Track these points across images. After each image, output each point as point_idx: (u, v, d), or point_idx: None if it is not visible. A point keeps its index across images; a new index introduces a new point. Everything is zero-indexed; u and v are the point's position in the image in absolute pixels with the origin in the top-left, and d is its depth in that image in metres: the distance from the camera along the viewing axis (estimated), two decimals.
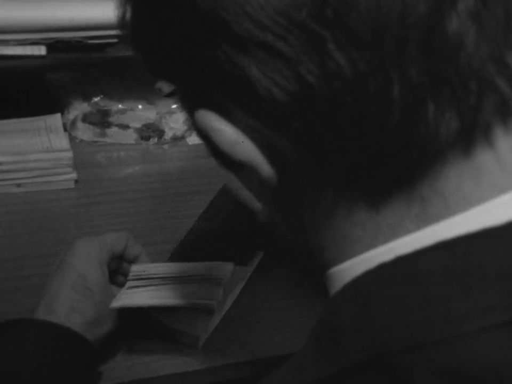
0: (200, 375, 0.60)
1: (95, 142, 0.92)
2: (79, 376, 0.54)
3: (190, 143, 0.94)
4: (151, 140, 0.92)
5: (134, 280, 0.61)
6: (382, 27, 0.27)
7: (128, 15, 0.33)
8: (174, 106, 0.93)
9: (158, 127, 0.92)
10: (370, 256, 0.32)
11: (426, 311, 0.28)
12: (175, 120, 0.93)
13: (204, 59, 0.30)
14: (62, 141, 0.86)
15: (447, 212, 0.30)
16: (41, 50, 0.75)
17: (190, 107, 0.33)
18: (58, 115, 0.90)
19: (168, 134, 0.93)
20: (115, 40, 0.78)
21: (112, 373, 0.59)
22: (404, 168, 0.30)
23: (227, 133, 0.31)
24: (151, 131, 0.92)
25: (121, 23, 0.34)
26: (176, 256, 0.70)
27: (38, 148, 0.84)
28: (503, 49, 0.28)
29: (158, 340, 0.61)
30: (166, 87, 0.36)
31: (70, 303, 0.56)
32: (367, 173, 0.31)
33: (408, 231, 0.31)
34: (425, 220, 0.30)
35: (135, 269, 0.62)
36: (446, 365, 0.27)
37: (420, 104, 0.28)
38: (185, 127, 0.94)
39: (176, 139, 0.94)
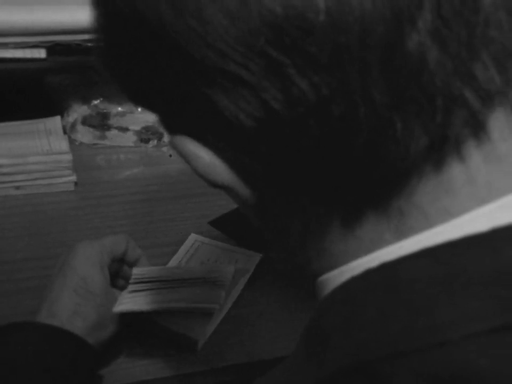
0: (199, 377, 0.61)
1: (94, 144, 0.92)
2: (81, 380, 0.54)
3: None
4: (150, 142, 0.93)
5: (135, 283, 0.61)
6: (340, 50, 0.27)
7: (100, 42, 0.33)
8: None
9: (157, 129, 0.92)
10: (356, 265, 0.32)
11: (409, 319, 0.28)
12: None
13: (174, 89, 0.31)
14: (61, 144, 0.86)
15: (427, 222, 0.30)
16: (41, 53, 0.75)
17: (168, 131, 0.34)
18: (58, 118, 0.91)
19: (167, 137, 0.93)
20: None
21: (111, 376, 0.59)
22: (375, 186, 0.30)
23: (202, 157, 0.32)
24: (150, 134, 0.93)
25: (96, 52, 0.34)
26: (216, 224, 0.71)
27: (38, 150, 0.84)
28: (468, 62, 0.28)
29: (157, 343, 0.62)
30: None
31: (72, 307, 0.56)
32: (337, 192, 0.31)
33: (390, 243, 0.31)
34: (405, 232, 0.31)
35: (137, 272, 0.62)
36: (429, 371, 0.27)
37: (387, 123, 0.28)
38: None
39: None
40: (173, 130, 0.33)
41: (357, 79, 0.27)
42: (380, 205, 0.31)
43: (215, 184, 0.33)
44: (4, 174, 0.80)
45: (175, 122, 0.33)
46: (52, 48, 0.76)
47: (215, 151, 0.32)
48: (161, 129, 0.93)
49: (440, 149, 0.29)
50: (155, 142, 0.93)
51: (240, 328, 0.65)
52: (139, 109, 0.92)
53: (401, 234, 0.31)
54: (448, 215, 0.30)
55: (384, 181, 0.30)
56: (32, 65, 0.87)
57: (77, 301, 0.57)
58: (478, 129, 0.29)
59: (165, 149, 0.93)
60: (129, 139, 0.92)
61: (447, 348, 0.27)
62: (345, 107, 0.28)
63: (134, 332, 0.62)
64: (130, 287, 0.61)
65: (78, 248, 0.61)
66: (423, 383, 0.27)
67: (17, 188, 0.81)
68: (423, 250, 0.30)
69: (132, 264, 0.64)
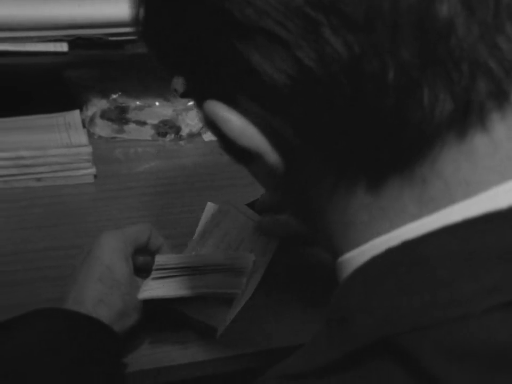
0: (220, 363, 0.61)
1: (112, 138, 0.93)
2: (108, 367, 0.55)
3: (206, 139, 0.96)
4: (167, 136, 0.94)
5: (158, 270, 0.62)
6: (374, 12, 0.28)
7: (141, 13, 0.35)
8: (190, 103, 0.95)
9: (174, 123, 0.93)
10: (377, 243, 0.33)
11: (432, 293, 0.29)
12: (191, 117, 0.94)
13: (210, 49, 0.32)
14: (81, 137, 0.88)
15: (448, 193, 0.31)
16: (63, 47, 0.76)
17: (199, 99, 0.35)
18: (77, 111, 0.92)
19: (185, 131, 0.94)
20: (135, 37, 0.78)
21: (133, 362, 0.60)
22: (401, 149, 0.31)
23: (234, 121, 0.33)
24: (167, 127, 0.94)
25: (135, 21, 0.36)
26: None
27: (58, 143, 0.86)
28: (494, 32, 0.29)
29: (178, 330, 0.63)
30: (181, 87, 0.38)
31: (98, 295, 0.57)
32: (365, 154, 0.32)
33: (412, 215, 0.32)
34: (427, 203, 0.32)
35: (159, 259, 0.63)
36: (451, 344, 0.28)
37: (414, 86, 0.29)
38: (201, 124, 0.95)
39: (192, 135, 0.95)
40: (205, 97, 0.34)
41: (388, 40, 0.28)
42: (404, 170, 0.32)
43: (242, 152, 0.34)
44: (25, 166, 0.81)
45: (209, 86, 0.34)
46: (73, 42, 0.77)
47: (246, 114, 0.33)
48: (178, 123, 0.94)
49: (464, 115, 0.30)
50: (172, 135, 0.94)
51: (260, 315, 0.65)
52: (157, 103, 0.93)
53: (423, 205, 0.32)
54: (467, 187, 0.31)
55: (409, 144, 0.31)
56: (53, 59, 0.88)
57: (102, 290, 0.58)
58: (502, 99, 0.30)
59: (182, 142, 0.94)
60: (147, 133, 0.93)
61: (468, 321, 0.28)
62: (375, 66, 0.29)
63: (155, 319, 0.63)
64: (153, 274, 0.62)
65: (101, 238, 0.62)
66: (445, 356, 0.28)
67: (38, 179, 0.82)
68: (444, 227, 0.30)
69: (154, 253, 0.65)
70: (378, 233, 0.33)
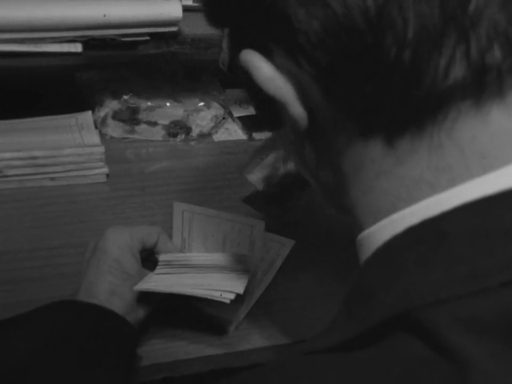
0: (232, 358, 0.62)
1: (124, 138, 0.94)
2: (122, 357, 0.56)
3: (216, 140, 0.97)
4: (178, 136, 0.95)
5: (162, 267, 0.63)
6: None
7: None
8: (201, 104, 0.96)
9: (185, 124, 0.95)
10: (396, 219, 0.34)
11: (451, 268, 0.30)
12: (201, 117, 0.95)
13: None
14: (93, 137, 0.89)
15: (464, 163, 0.32)
16: (77, 48, 0.77)
17: (237, 48, 0.37)
18: (89, 112, 0.93)
19: (195, 131, 0.95)
20: (147, 38, 0.80)
21: (148, 355, 0.61)
22: (416, 108, 0.32)
23: (265, 69, 0.35)
24: (178, 128, 0.95)
25: None
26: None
27: (71, 143, 0.87)
28: None
29: (191, 324, 0.64)
30: (227, 62, 0.41)
31: (109, 287, 0.58)
32: (382, 111, 0.33)
33: (428, 184, 0.33)
34: (443, 170, 0.32)
35: (163, 257, 0.64)
36: (470, 317, 0.29)
37: (431, 43, 0.30)
38: (212, 124, 0.96)
39: (203, 136, 0.96)
40: (240, 45, 0.36)
41: None
42: (421, 132, 0.33)
43: (270, 101, 0.36)
44: (39, 165, 0.82)
45: (245, 34, 0.36)
46: (87, 43, 0.78)
47: (279, 66, 0.35)
48: (189, 124, 0.95)
49: (480, 83, 0.31)
50: (183, 136, 0.95)
51: (272, 312, 0.66)
52: (168, 104, 0.94)
53: (439, 173, 0.33)
54: (483, 159, 0.32)
55: (424, 103, 0.32)
56: (64, 61, 0.89)
57: (113, 281, 0.58)
58: None
59: (193, 143, 0.95)
60: (158, 133, 0.95)
61: (486, 295, 0.29)
62: (397, 18, 0.30)
63: (170, 313, 0.64)
64: (157, 270, 0.62)
65: (107, 232, 0.62)
66: (463, 328, 0.28)
67: (52, 179, 0.83)
68: (463, 205, 0.31)
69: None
70: (396, 207, 0.34)
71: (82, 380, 0.52)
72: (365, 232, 0.37)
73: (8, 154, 0.81)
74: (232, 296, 0.58)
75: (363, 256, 0.36)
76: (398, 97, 0.32)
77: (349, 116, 0.35)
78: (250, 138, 0.97)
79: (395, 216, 0.34)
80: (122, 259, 0.60)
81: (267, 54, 0.35)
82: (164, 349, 0.62)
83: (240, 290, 0.59)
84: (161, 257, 0.64)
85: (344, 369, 0.30)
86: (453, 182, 0.32)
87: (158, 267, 0.63)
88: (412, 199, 0.34)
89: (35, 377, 0.50)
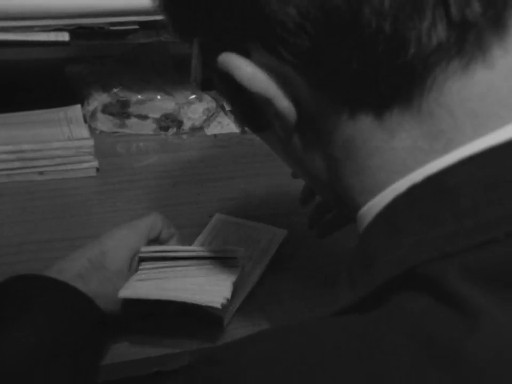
0: None
1: (114, 132, 0.93)
2: (87, 336, 0.54)
3: (208, 133, 0.96)
4: (169, 130, 0.94)
5: (144, 268, 0.60)
6: None
7: None
8: (193, 97, 0.95)
9: (176, 117, 0.93)
10: (397, 187, 0.34)
11: (456, 221, 0.30)
12: (193, 110, 0.94)
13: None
14: (82, 132, 0.87)
15: (456, 126, 0.32)
16: (64, 37, 0.76)
17: (211, 56, 0.36)
18: (79, 106, 0.92)
19: (187, 125, 0.94)
20: (136, 27, 0.79)
21: (141, 350, 0.59)
22: (403, 78, 0.32)
23: (245, 67, 0.35)
24: (169, 121, 0.93)
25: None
26: None
27: (59, 137, 0.85)
28: None
29: (185, 320, 0.62)
30: (199, 79, 0.41)
31: (79, 270, 0.57)
32: (369, 88, 0.33)
33: (423, 151, 0.33)
34: (436, 136, 0.32)
35: (145, 252, 0.61)
36: (477, 268, 0.29)
37: (410, 7, 0.30)
38: (204, 118, 0.95)
39: (195, 129, 0.95)
40: (218, 51, 0.36)
41: None
42: (409, 103, 0.32)
43: (255, 99, 0.35)
44: (28, 159, 0.81)
45: (222, 39, 0.35)
46: (75, 32, 0.77)
47: (257, 62, 0.35)
48: (180, 117, 0.93)
49: (463, 38, 0.31)
50: (174, 129, 0.94)
51: (265, 305, 0.65)
52: (158, 97, 0.93)
53: (432, 139, 0.32)
54: (476, 119, 0.32)
55: (410, 72, 0.32)
56: (53, 54, 0.88)
57: (86, 266, 0.57)
58: (501, 31, 0.31)
59: (184, 136, 0.94)
60: (148, 127, 0.93)
61: (493, 246, 0.29)
62: None
63: (164, 309, 0.62)
64: (139, 273, 0.60)
65: (114, 230, 0.61)
66: (471, 279, 0.28)
67: (41, 173, 0.82)
68: (466, 158, 0.31)
69: (165, 243, 0.65)
70: (393, 179, 0.34)
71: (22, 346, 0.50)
72: (365, 207, 0.36)
73: None
74: (221, 301, 0.56)
75: (362, 227, 0.36)
76: (384, 69, 0.32)
77: (335, 99, 0.34)
78: (243, 131, 0.96)
79: (396, 185, 0.34)
80: (109, 255, 0.59)
81: (245, 53, 0.35)
82: (155, 343, 0.60)
83: (227, 294, 0.57)
84: (142, 252, 0.61)
85: (350, 329, 0.29)
86: (449, 145, 0.32)
87: (140, 265, 0.61)
88: (408, 169, 0.33)
89: None
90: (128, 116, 0.92)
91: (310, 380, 0.28)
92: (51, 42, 0.75)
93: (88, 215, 0.76)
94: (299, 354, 0.29)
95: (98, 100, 0.91)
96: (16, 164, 0.81)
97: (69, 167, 0.83)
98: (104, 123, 0.92)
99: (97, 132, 0.92)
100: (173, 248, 0.63)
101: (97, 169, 0.84)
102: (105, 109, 0.92)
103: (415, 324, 0.28)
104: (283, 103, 0.35)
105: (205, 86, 0.40)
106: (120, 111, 0.92)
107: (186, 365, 0.32)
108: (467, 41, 0.31)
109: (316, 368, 0.28)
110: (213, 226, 0.74)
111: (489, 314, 0.27)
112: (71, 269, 0.57)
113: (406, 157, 0.33)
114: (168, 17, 0.39)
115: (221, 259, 0.61)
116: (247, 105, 0.37)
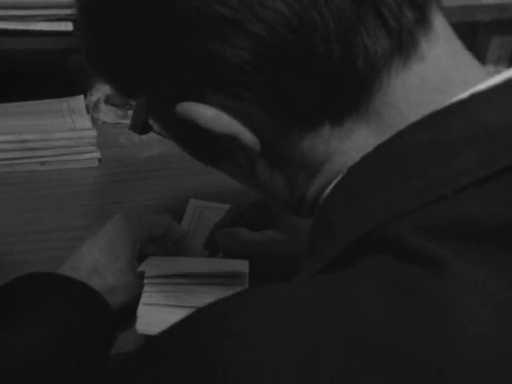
0: None
1: (117, 123, 0.93)
2: (97, 334, 0.54)
3: None
4: None
5: (148, 291, 0.59)
6: None
7: (90, 40, 0.39)
8: None
9: None
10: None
11: (407, 183, 0.32)
12: None
13: (173, 51, 0.35)
14: (85, 122, 0.88)
15: (402, 118, 0.34)
16: (68, 26, 0.76)
17: (169, 107, 0.37)
18: (81, 97, 0.92)
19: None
20: None
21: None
22: (354, 91, 0.34)
23: (207, 112, 0.36)
24: None
25: (84, 52, 0.40)
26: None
27: (62, 127, 0.85)
28: None
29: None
30: (139, 126, 0.45)
31: (93, 264, 0.57)
32: (325, 103, 0.35)
33: (372, 146, 0.35)
34: (384, 131, 0.34)
35: (148, 263, 0.59)
36: (430, 224, 0.30)
37: (353, 29, 0.32)
38: None
39: None
40: (174, 102, 0.36)
41: None
42: (359, 109, 0.35)
43: (220, 140, 0.37)
44: (29, 149, 0.81)
45: (175, 91, 0.37)
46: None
47: (216, 104, 0.36)
48: None
49: (400, 45, 0.34)
50: None
51: None
52: None
53: (382, 133, 0.35)
54: (419, 108, 0.34)
55: (362, 81, 0.34)
56: (57, 44, 0.88)
57: (99, 259, 0.57)
58: (425, 22, 0.34)
59: None
60: None
61: (443, 202, 0.31)
62: (316, 17, 0.32)
63: None
64: (144, 297, 0.58)
65: (115, 217, 0.61)
66: (426, 236, 0.30)
67: (43, 163, 0.82)
68: (413, 124, 0.33)
69: (175, 243, 0.65)
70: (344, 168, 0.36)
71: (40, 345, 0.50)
72: (324, 194, 0.38)
73: None
74: None
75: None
76: (338, 87, 0.34)
77: (294, 120, 0.36)
78: None
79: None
80: (117, 242, 0.59)
81: (201, 98, 0.36)
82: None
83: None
84: (147, 272, 0.60)
85: (321, 285, 0.30)
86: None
87: (144, 293, 0.60)
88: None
89: None
90: (131, 106, 0.92)
91: (297, 330, 0.29)
92: (54, 32, 0.75)
93: (89, 206, 0.77)
94: (282, 310, 0.30)
95: (101, 90, 0.91)
96: (18, 154, 0.81)
97: (71, 157, 0.83)
98: (107, 114, 0.92)
99: (99, 123, 0.92)
100: (177, 271, 0.62)
101: (100, 160, 0.84)
102: (108, 100, 0.92)
103: (382, 277, 0.29)
104: (247, 136, 0.36)
105: (144, 131, 0.44)
106: (123, 102, 0.92)
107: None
108: (403, 43, 0.34)
109: (301, 319, 0.29)
110: (192, 213, 0.73)
111: (449, 262, 0.29)
112: (85, 264, 0.57)
113: (357, 155, 0.35)
114: (113, 82, 0.40)
115: (227, 278, 0.60)
116: (209, 145, 0.38)
